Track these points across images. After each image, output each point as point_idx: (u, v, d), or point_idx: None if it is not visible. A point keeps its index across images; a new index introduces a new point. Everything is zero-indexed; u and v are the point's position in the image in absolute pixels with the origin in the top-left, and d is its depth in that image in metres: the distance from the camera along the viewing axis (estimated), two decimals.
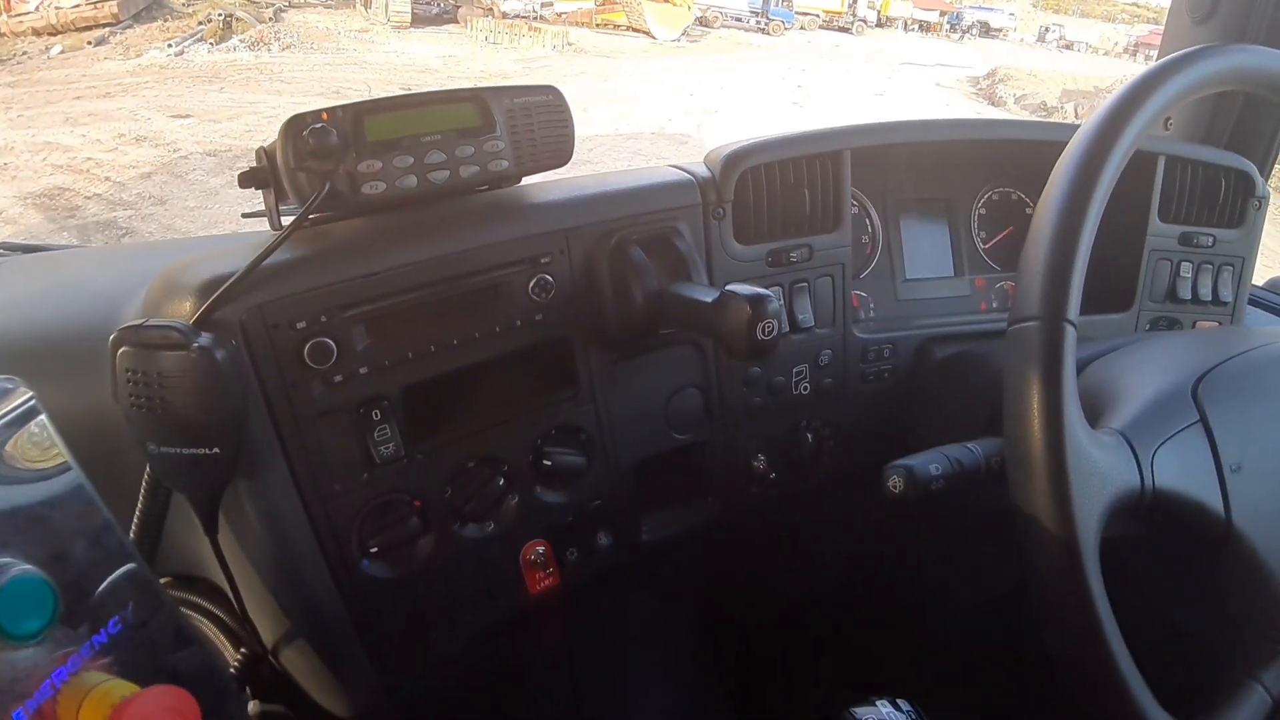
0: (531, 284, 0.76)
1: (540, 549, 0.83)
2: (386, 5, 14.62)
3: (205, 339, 0.57)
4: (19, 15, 11.75)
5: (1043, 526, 0.59)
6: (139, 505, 0.62)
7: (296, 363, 0.65)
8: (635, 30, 15.39)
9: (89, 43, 11.45)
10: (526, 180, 0.81)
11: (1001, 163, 1.14)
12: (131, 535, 0.62)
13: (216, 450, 0.58)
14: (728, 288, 0.68)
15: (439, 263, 0.71)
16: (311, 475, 0.69)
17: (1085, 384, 0.74)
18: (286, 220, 0.67)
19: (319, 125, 0.63)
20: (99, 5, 12.06)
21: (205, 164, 6.72)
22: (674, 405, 0.90)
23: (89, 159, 6.89)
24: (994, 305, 1.15)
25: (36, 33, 11.65)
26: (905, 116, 1.04)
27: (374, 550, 0.73)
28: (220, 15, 12.74)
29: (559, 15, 16.29)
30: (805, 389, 0.98)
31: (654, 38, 14.86)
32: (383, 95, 0.72)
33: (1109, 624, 0.60)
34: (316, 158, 0.63)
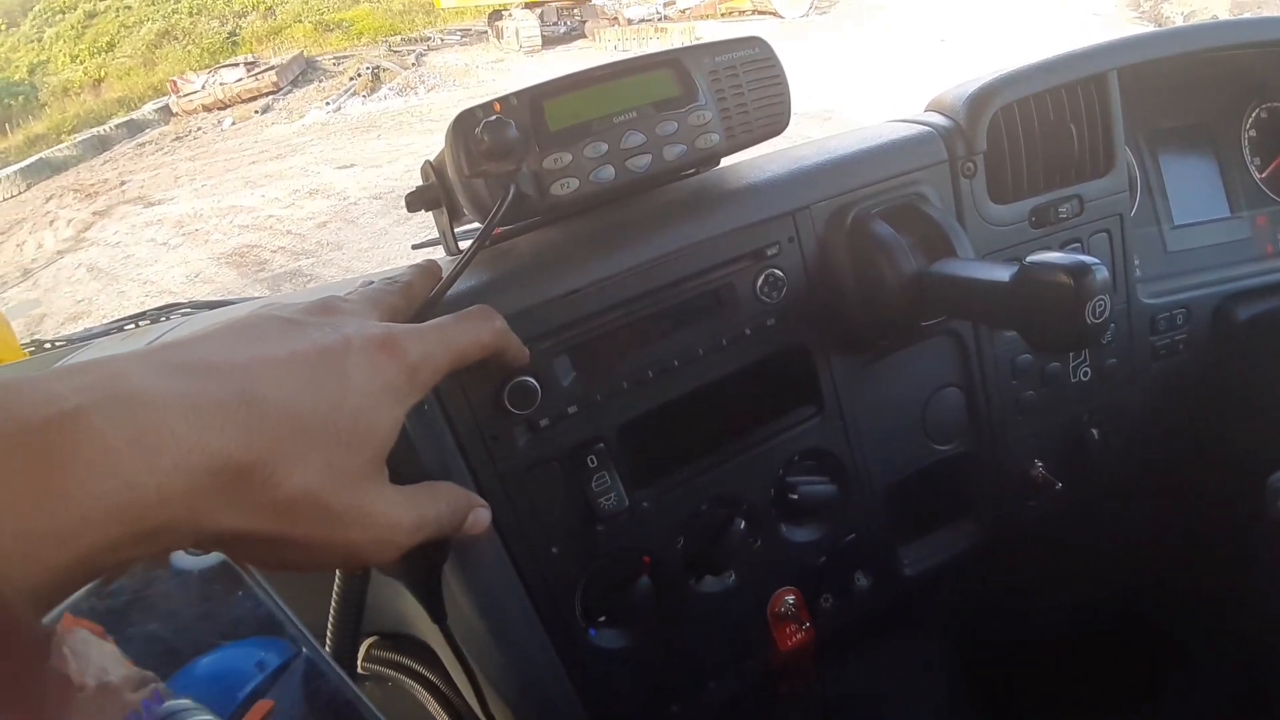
0: (759, 282, 0.62)
1: (790, 598, 0.70)
2: (517, 32, 14.97)
3: None
4: (187, 95, 13.06)
5: None
6: (333, 610, 0.51)
7: (495, 410, 0.55)
8: (761, 13, 14.96)
9: (256, 112, 12.47)
10: (727, 160, 0.67)
11: (1267, 72, 0.92)
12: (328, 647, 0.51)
13: None
14: (1031, 259, 0.51)
15: (649, 270, 0.59)
16: (524, 539, 0.58)
17: None
18: (465, 243, 0.55)
19: (493, 119, 0.51)
20: (259, 76, 13.16)
21: (373, 207, 7.08)
22: (932, 411, 0.74)
23: (270, 216, 7.42)
24: None
25: (206, 109, 12.91)
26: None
27: (602, 619, 0.63)
28: (368, 69, 13.56)
29: (683, 12, 16.02)
30: (1085, 374, 0.80)
31: (781, 16, 14.37)
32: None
33: None
34: (494, 158, 0.51)
